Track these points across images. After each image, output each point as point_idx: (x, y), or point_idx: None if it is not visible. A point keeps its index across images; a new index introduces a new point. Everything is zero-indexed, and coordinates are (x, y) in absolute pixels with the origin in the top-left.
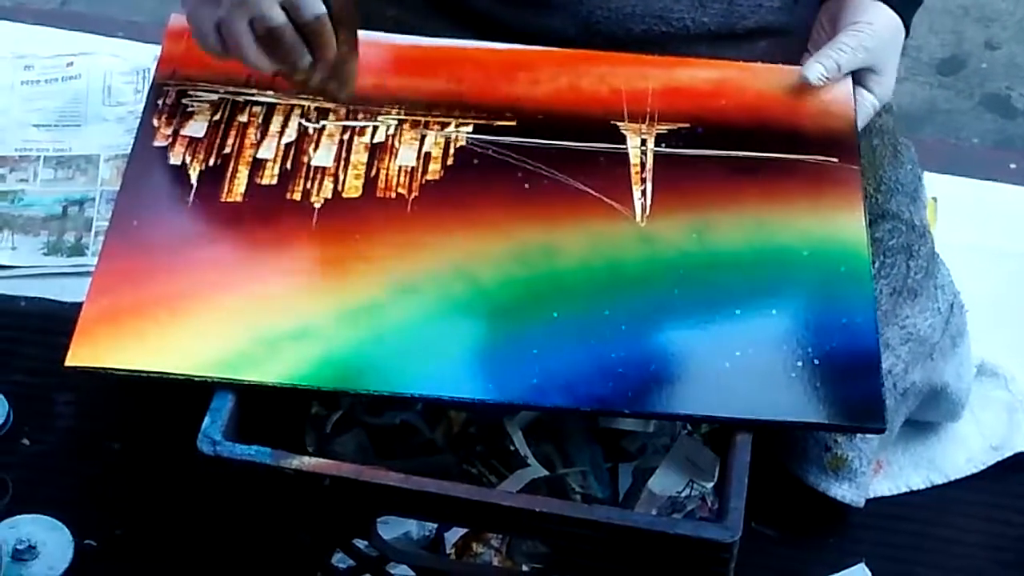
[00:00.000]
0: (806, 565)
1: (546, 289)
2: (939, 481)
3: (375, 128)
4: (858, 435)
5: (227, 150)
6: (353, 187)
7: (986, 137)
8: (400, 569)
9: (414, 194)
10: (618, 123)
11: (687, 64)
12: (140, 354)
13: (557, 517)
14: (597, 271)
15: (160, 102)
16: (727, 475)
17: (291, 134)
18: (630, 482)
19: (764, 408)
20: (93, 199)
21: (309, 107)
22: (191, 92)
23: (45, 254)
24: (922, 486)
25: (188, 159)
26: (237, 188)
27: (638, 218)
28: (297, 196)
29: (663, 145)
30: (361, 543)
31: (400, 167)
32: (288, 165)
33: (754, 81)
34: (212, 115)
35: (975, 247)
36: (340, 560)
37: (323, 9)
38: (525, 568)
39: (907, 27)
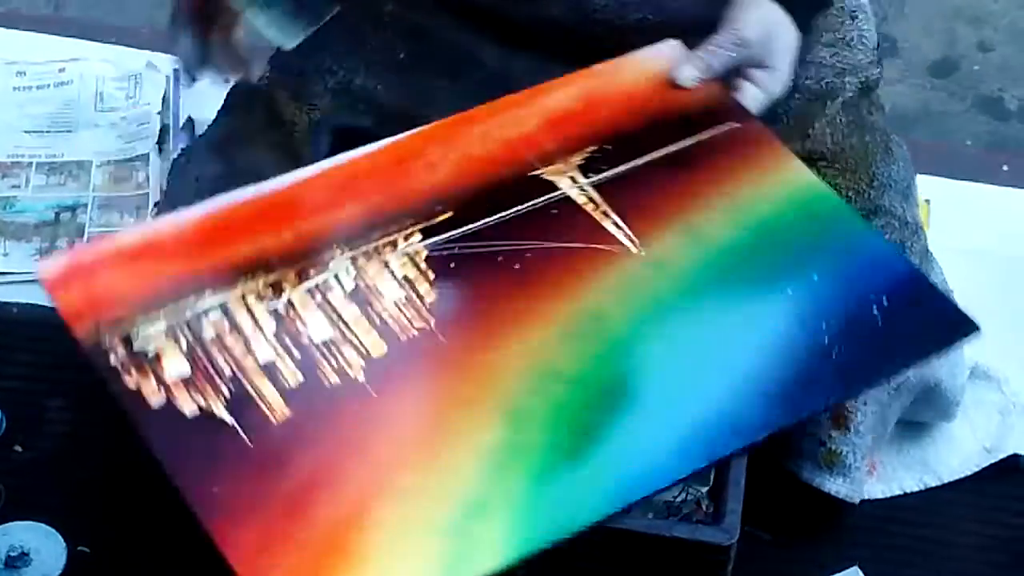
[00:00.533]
0: (800, 568)
1: (626, 355)
2: (932, 483)
3: (336, 277)
4: (852, 431)
5: (228, 372)
6: (376, 345)
7: (979, 139)
8: None
9: (432, 320)
10: (537, 173)
11: (544, 92)
12: None
13: None
14: (648, 317)
15: (114, 363)
16: (724, 478)
17: (268, 322)
18: None
19: (887, 364)
20: (85, 205)
21: (257, 286)
22: (134, 334)
23: (37, 260)
24: (915, 488)
25: (202, 401)
26: (276, 404)
27: (635, 250)
28: (335, 379)
29: (590, 175)
30: None
31: (395, 302)
32: (297, 355)
33: (611, 82)
34: (179, 344)
35: (968, 249)
36: None
37: None
38: (520, 572)
39: (802, 25)
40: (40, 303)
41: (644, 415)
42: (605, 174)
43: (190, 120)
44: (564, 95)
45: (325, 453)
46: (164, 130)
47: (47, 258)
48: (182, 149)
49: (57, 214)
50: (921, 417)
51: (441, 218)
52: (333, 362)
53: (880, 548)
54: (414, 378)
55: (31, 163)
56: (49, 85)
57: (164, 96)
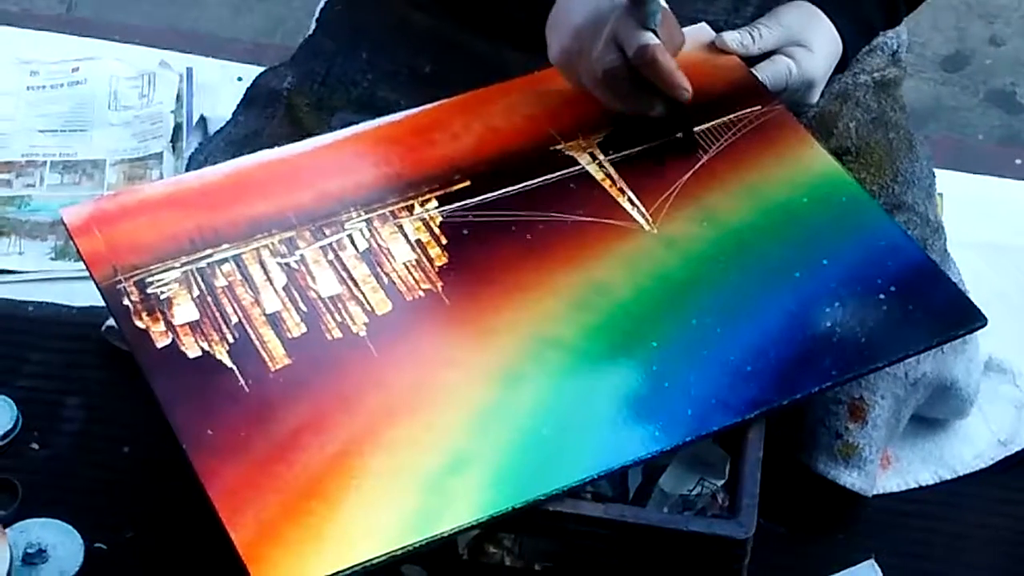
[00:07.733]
0: (815, 561)
1: (627, 325)
2: (947, 476)
3: (350, 237)
4: (869, 423)
5: (234, 319)
6: (381, 303)
7: (991, 133)
8: (413, 570)
9: (439, 283)
10: (557, 147)
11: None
12: (328, 555)
13: (570, 516)
14: (654, 290)
15: (126, 304)
16: (739, 471)
17: (279, 276)
18: (640, 481)
19: (887, 350)
20: None
21: (273, 243)
22: (148, 279)
23: (52, 259)
24: (930, 482)
25: (205, 345)
26: (277, 352)
27: (647, 227)
28: (337, 333)
29: (611, 152)
30: None
31: (405, 263)
32: (304, 307)
33: None
34: (190, 292)
35: (981, 243)
36: None
37: (646, 40)
38: (537, 568)
39: (826, 11)
40: (55, 302)
41: (636, 386)
42: (625, 152)
43: (202, 119)
44: None
45: (318, 403)
46: (177, 128)
47: (72, 206)
48: (199, 144)
49: None
50: (936, 414)
51: (459, 186)
52: (337, 317)
53: (895, 542)
54: (414, 337)
55: (46, 162)
56: (63, 84)
57: (177, 95)
